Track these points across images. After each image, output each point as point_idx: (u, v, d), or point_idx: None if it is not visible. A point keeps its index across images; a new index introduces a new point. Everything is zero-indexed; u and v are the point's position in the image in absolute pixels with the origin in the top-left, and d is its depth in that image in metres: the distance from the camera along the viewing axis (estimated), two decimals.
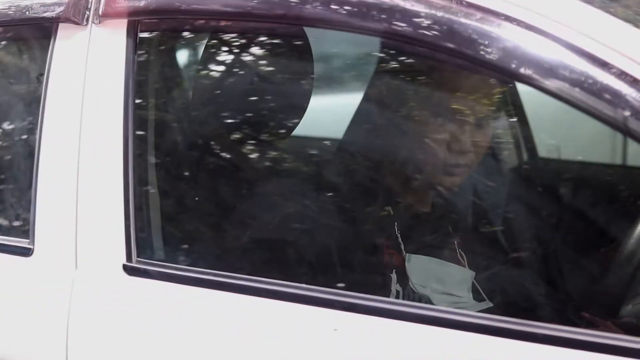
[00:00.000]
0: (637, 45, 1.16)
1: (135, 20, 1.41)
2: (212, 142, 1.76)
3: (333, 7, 1.25)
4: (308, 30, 1.59)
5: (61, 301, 1.39)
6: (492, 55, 1.17)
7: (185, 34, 3.24)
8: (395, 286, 1.45)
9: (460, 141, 1.54)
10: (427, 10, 1.20)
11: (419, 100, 1.56)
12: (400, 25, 1.21)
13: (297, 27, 1.56)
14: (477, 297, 1.52)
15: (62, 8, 1.45)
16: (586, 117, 1.13)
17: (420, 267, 1.50)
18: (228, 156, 1.84)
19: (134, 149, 1.39)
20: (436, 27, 1.19)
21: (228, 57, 1.71)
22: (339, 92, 2.09)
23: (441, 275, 1.50)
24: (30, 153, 1.49)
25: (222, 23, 1.57)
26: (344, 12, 1.24)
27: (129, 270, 1.37)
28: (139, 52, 1.41)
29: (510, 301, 1.29)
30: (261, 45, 1.68)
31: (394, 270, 1.48)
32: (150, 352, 1.34)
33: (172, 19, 1.44)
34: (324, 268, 1.40)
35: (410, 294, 1.47)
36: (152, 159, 1.41)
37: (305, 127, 1.69)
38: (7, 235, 1.53)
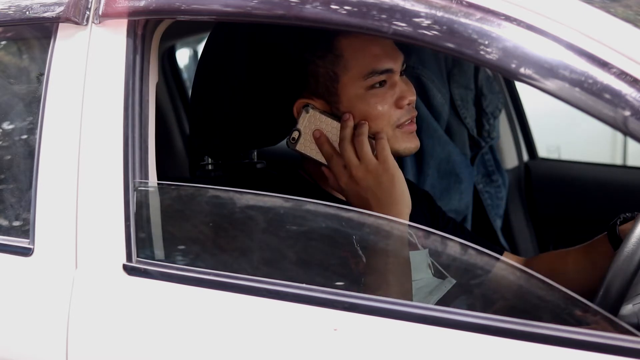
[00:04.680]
0: (637, 45, 1.16)
1: (135, 20, 1.41)
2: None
3: (333, 7, 1.25)
4: None
5: (61, 301, 1.39)
6: (492, 55, 1.17)
7: (186, 33, 3.24)
8: None
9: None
10: (427, 10, 1.20)
11: None
12: (400, 25, 1.21)
13: None
14: (437, 274, 1.52)
15: (62, 8, 1.45)
16: None
17: None
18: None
19: (134, 148, 1.39)
20: (436, 27, 1.19)
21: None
22: None
23: None
24: (30, 153, 1.49)
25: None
26: (344, 12, 1.24)
27: (129, 270, 1.37)
28: (139, 52, 1.41)
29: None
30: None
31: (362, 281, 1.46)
32: (150, 352, 1.34)
33: (172, 19, 1.44)
34: None
35: None
36: (152, 159, 1.41)
37: None
38: (7, 235, 1.53)
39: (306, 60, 1.56)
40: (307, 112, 1.54)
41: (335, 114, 1.54)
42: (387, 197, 1.48)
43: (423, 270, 1.55)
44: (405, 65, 1.58)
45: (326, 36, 1.53)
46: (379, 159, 1.50)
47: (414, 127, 1.57)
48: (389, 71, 1.54)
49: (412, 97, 1.56)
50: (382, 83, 1.54)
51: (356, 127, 1.52)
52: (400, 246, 1.41)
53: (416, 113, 1.58)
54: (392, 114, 1.54)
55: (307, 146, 1.54)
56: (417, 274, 1.52)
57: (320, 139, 1.53)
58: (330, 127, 1.53)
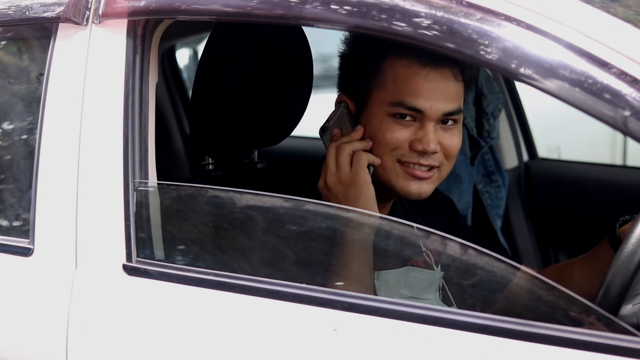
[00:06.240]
0: (637, 45, 1.16)
1: (135, 20, 1.41)
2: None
3: (333, 7, 1.25)
4: None
5: (61, 301, 1.39)
6: (492, 55, 1.17)
7: (186, 33, 3.24)
8: None
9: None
10: (427, 10, 1.20)
11: None
12: (400, 25, 1.21)
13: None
14: (445, 300, 1.49)
15: (62, 8, 1.45)
16: None
17: (390, 281, 1.47)
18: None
19: (134, 148, 1.39)
20: (436, 27, 1.19)
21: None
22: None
23: (410, 281, 1.49)
24: (30, 153, 1.49)
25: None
26: (344, 12, 1.24)
27: (129, 270, 1.37)
28: (139, 52, 1.41)
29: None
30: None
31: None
32: (150, 352, 1.34)
33: (172, 19, 1.44)
34: None
35: None
36: (152, 159, 1.41)
37: None
38: (7, 235, 1.53)
39: (357, 63, 1.54)
40: (339, 109, 1.56)
41: (356, 122, 1.53)
42: None
43: (432, 291, 1.53)
44: (453, 116, 1.52)
45: (380, 50, 1.49)
46: (352, 170, 1.47)
47: (422, 173, 1.49)
48: (417, 111, 1.47)
49: (429, 147, 1.46)
50: (404, 116, 1.48)
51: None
52: (365, 237, 1.39)
53: (433, 163, 1.49)
54: (398, 147, 1.48)
55: (327, 139, 1.56)
56: (425, 294, 1.51)
57: (334, 138, 1.53)
58: (346, 131, 1.53)
